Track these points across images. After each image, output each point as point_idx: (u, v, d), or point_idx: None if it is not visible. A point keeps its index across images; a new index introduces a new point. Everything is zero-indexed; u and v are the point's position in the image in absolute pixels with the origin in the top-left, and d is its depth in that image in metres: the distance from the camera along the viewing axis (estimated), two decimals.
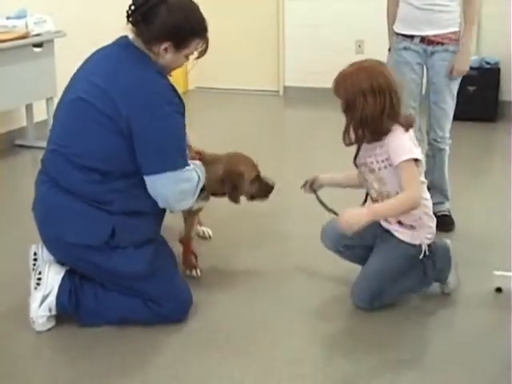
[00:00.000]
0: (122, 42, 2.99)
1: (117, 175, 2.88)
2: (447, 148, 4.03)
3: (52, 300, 3.00)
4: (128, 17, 2.94)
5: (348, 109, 3.00)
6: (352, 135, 3.05)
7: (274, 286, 3.43)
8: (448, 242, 3.35)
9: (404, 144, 3.01)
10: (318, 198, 3.50)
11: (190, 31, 2.93)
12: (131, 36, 2.96)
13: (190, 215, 3.60)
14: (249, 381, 2.73)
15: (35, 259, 3.09)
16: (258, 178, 3.43)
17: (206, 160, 3.29)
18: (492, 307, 3.24)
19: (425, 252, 3.17)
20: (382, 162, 3.07)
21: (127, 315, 3.05)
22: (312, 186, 3.48)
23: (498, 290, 3.32)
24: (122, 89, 2.83)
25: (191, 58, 3.07)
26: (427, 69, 3.95)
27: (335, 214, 3.36)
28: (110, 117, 2.82)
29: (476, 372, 2.78)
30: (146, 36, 2.91)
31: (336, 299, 3.30)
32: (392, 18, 4.00)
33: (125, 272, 2.96)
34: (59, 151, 2.93)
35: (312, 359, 2.88)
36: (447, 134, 4.00)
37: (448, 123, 3.98)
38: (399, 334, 3.05)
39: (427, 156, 4.08)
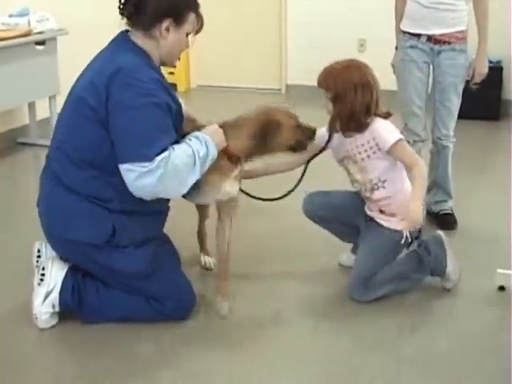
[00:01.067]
0: (119, 36, 2.98)
1: (112, 170, 2.84)
2: (451, 146, 4.03)
3: (55, 296, 3.00)
4: (122, 12, 2.93)
5: (337, 100, 3.13)
6: (337, 125, 3.19)
7: (277, 285, 3.43)
8: (439, 232, 3.41)
9: (389, 128, 3.17)
10: (243, 191, 3.37)
11: (184, 3, 2.92)
12: (130, 31, 2.96)
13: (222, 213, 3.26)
14: (253, 379, 2.74)
15: (39, 256, 3.10)
16: (298, 126, 3.15)
17: (229, 125, 3.06)
18: (494, 305, 3.24)
19: (407, 238, 3.22)
20: (365, 151, 3.19)
21: (129, 313, 3.05)
22: None
23: (501, 288, 3.32)
24: (105, 76, 2.79)
25: (190, 39, 3.05)
26: (433, 67, 3.94)
27: (261, 199, 3.43)
28: (95, 108, 2.80)
29: (477, 370, 2.78)
30: (144, 22, 2.89)
31: (337, 297, 3.30)
32: (400, 15, 3.99)
33: (125, 271, 2.97)
34: (60, 147, 2.95)
35: (314, 358, 2.88)
36: (451, 132, 4.00)
37: (452, 121, 3.99)
38: (400, 332, 3.05)
39: (431, 154, 4.08)
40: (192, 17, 2.96)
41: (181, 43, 2.99)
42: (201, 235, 3.62)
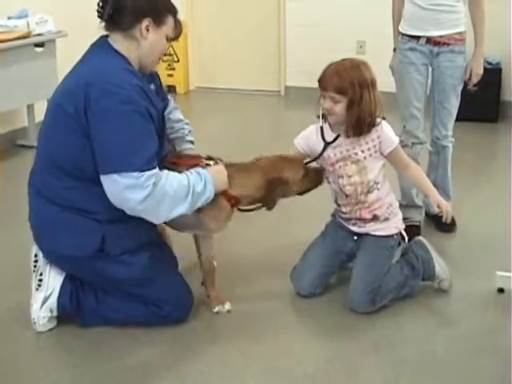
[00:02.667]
0: (99, 42, 2.96)
1: (94, 180, 2.79)
2: (450, 146, 4.02)
3: (53, 301, 3.01)
4: (101, 16, 2.90)
5: (353, 104, 3.04)
6: (350, 129, 3.12)
7: (277, 287, 3.43)
8: (419, 237, 3.49)
9: (391, 129, 3.21)
10: None
11: (162, 6, 2.92)
12: (108, 36, 2.94)
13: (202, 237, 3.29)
14: (251, 382, 2.73)
15: (36, 261, 3.08)
16: (306, 173, 3.17)
17: (236, 169, 3.06)
18: (494, 308, 3.24)
19: (402, 236, 3.33)
20: (369, 150, 3.18)
21: (128, 317, 3.05)
22: None
23: (500, 290, 3.32)
24: (83, 82, 2.75)
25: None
26: (432, 69, 3.93)
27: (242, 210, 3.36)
28: (73, 115, 2.75)
29: (477, 372, 2.78)
30: (124, 22, 2.86)
31: (335, 301, 3.29)
32: (397, 17, 3.98)
33: (122, 279, 2.96)
34: (40, 157, 2.94)
35: (314, 359, 2.88)
36: (450, 132, 4.00)
37: (451, 122, 3.98)
38: (400, 334, 3.05)
39: (430, 154, 4.08)
40: (170, 20, 2.94)
41: (160, 45, 2.95)
42: (197, 238, 3.61)
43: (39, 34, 5.42)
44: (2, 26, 5.30)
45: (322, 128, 3.23)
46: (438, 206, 3.22)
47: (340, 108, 3.07)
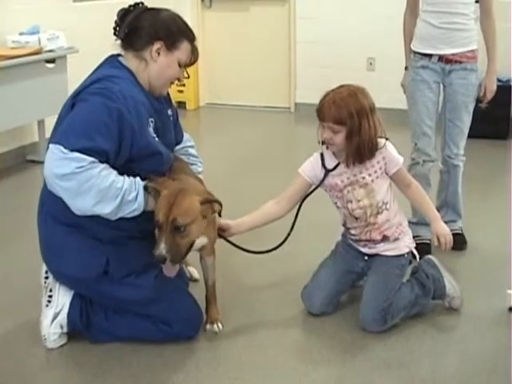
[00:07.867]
0: (108, 59, 2.99)
1: None
2: (461, 164, 4.02)
3: (63, 317, 3.01)
4: (117, 33, 2.94)
5: (353, 134, 3.00)
6: (351, 159, 3.08)
7: (288, 306, 3.42)
8: (429, 256, 3.47)
9: (395, 150, 3.18)
10: (232, 244, 3.36)
11: (178, 30, 2.94)
12: (122, 54, 2.98)
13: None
14: None
15: (46, 277, 3.09)
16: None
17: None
18: (505, 326, 3.22)
19: (413, 254, 3.32)
20: (375, 172, 3.15)
21: (138, 335, 3.05)
22: (223, 236, 3.25)
23: (511, 309, 3.31)
24: (82, 86, 2.81)
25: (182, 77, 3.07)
26: (444, 87, 3.93)
27: (256, 253, 3.45)
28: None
29: None
30: (137, 43, 2.91)
31: (348, 318, 3.29)
32: (409, 36, 3.99)
33: (128, 300, 2.96)
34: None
35: (325, 377, 2.87)
36: (461, 151, 3.99)
37: (463, 140, 3.98)
38: (411, 353, 3.03)
39: (441, 173, 4.07)
40: (185, 45, 2.96)
41: (171, 69, 2.96)
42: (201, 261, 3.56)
43: (50, 50, 5.46)
44: (13, 41, 5.35)
45: (322, 155, 3.20)
46: (438, 238, 3.17)
47: (340, 138, 3.03)
